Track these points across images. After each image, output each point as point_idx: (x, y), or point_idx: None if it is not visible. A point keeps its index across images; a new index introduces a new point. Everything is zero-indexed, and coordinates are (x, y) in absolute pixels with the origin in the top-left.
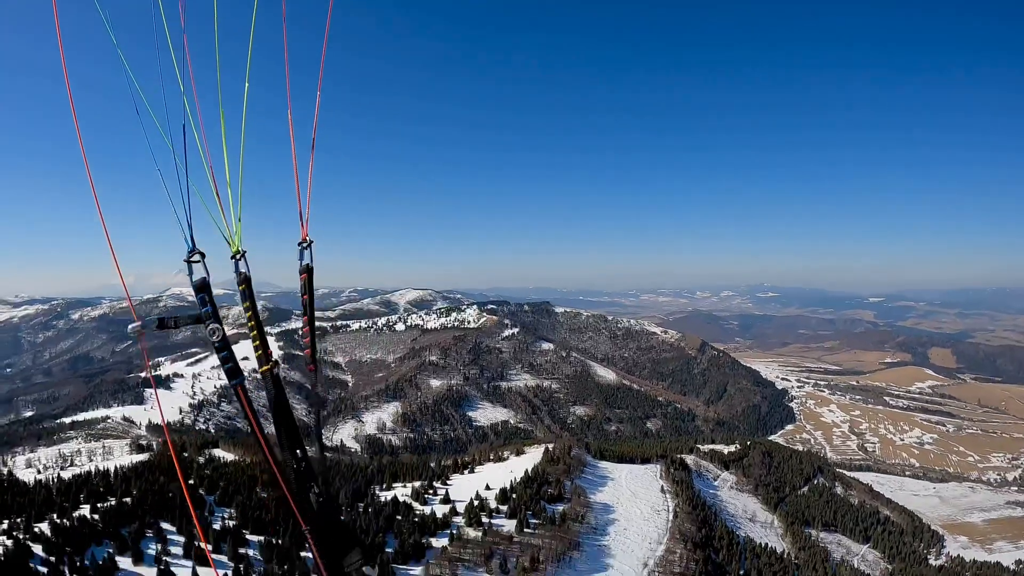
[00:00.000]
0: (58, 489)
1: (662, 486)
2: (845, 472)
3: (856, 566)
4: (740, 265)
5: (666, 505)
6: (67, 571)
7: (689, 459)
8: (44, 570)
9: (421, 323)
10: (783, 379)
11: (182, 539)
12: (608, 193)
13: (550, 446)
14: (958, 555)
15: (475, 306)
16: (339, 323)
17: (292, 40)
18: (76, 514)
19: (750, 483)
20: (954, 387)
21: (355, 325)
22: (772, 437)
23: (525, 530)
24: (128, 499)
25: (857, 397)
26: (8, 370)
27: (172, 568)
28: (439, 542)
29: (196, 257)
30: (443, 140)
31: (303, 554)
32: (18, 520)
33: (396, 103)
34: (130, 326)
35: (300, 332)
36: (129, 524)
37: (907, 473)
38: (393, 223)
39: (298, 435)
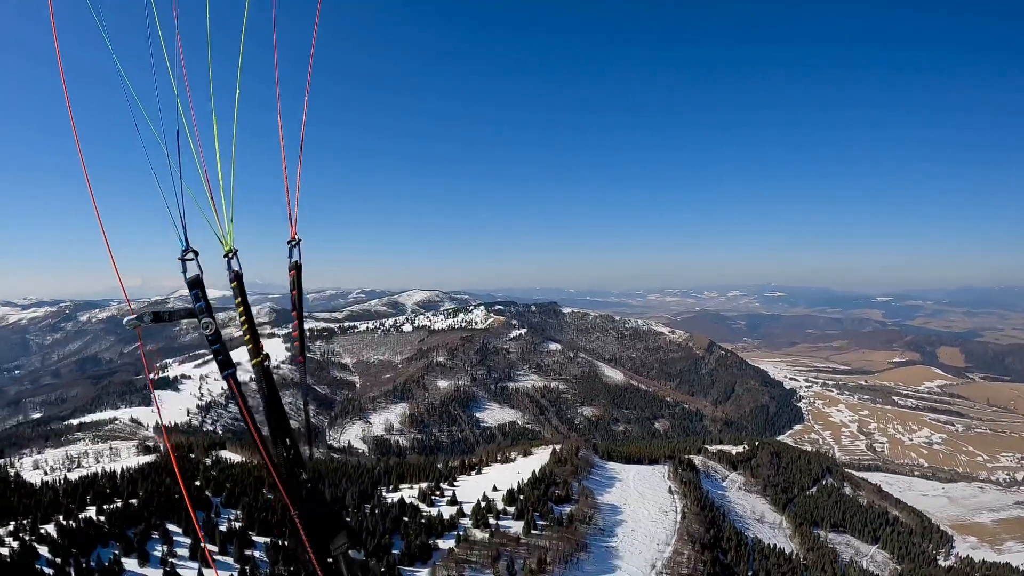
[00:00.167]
0: (65, 491)
1: (670, 487)
2: (854, 472)
3: (865, 567)
4: (747, 265)
5: (674, 506)
6: (73, 572)
7: (697, 460)
8: (50, 571)
9: (428, 324)
10: (791, 379)
11: (188, 541)
12: (615, 193)
13: (557, 447)
14: (967, 556)
15: (482, 307)
16: (346, 324)
17: (293, 37)
18: (82, 516)
19: (758, 484)
20: (963, 386)
21: (362, 326)
22: (780, 437)
23: (532, 531)
24: (134, 501)
25: (865, 397)
26: (16, 372)
27: (178, 570)
28: (446, 543)
29: (190, 255)
30: (449, 138)
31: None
32: (24, 522)
33: (405, 102)
34: (126, 319)
35: (291, 327)
36: (135, 526)
37: (916, 473)
38: (401, 224)
39: (287, 425)
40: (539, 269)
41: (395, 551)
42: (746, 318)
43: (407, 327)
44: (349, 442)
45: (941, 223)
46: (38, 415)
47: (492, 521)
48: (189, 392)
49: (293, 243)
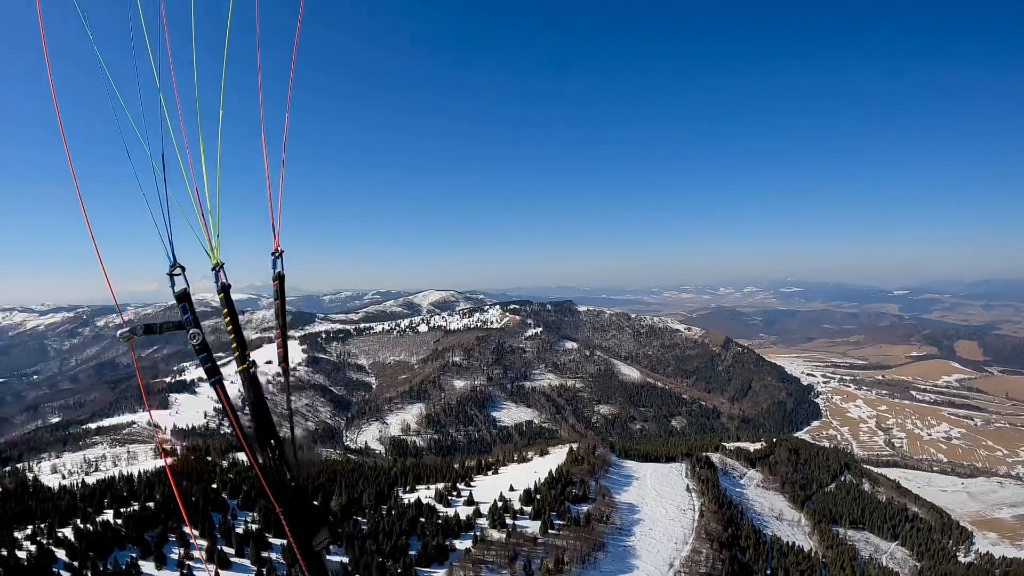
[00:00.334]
0: (82, 494)
1: (688, 485)
2: (872, 468)
3: (884, 564)
4: (763, 260)
5: (692, 504)
6: (90, 575)
7: (715, 457)
8: (67, 574)
9: (444, 324)
10: (808, 375)
11: (204, 543)
12: (629, 189)
13: (574, 446)
14: (987, 552)
15: (497, 306)
16: (362, 325)
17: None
18: (100, 519)
19: (776, 481)
20: (981, 380)
21: (378, 327)
22: (798, 434)
23: (549, 531)
24: (151, 504)
25: (883, 392)
26: (35, 377)
27: (194, 572)
28: (463, 544)
29: (177, 270)
30: (462, 137)
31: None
32: (42, 525)
33: (417, 100)
34: (119, 331)
35: (274, 335)
36: (152, 529)
37: (935, 468)
38: (416, 225)
39: (273, 428)
40: (553, 268)
41: (412, 552)
42: (762, 314)
43: (423, 327)
44: (366, 443)
45: (958, 216)
46: (56, 419)
47: (509, 521)
48: (206, 395)
49: (276, 255)
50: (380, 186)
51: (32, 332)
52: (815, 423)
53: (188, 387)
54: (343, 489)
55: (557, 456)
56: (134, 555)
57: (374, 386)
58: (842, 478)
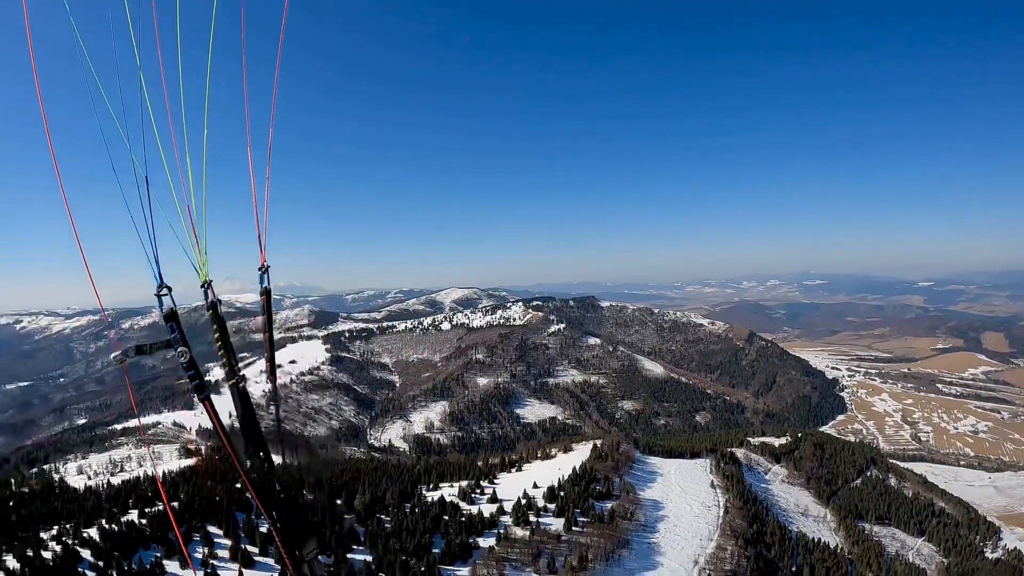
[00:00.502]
0: (107, 495)
1: (712, 481)
2: (898, 463)
3: (911, 560)
4: (786, 253)
5: (716, 500)
6: (115, 575)
7: (739, 453)
8: (92, 574)
9: (467, 321)
10: (833, 368)
11: (229, 542)
12: (651, 184)
13: (598, 442)
14: (1015, 548)
15: (520, 303)
16: (385, 324)
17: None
18: (124, 519)
19: (802, 476)
20: (1008, 372)
21: (401, 325)
22: (823, 428)
23: (573, 528)
24: (176, 503)
25: (909, 385)
26: (61, 379)
27: (219, 571)
28: (486, 542)
29: (164, 291)
30: (483, 135)
31: (349, 555)
32: (68, 526)
33: (436, 99)
34: (112, 355)
35: (263, 347)
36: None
37: (961, 463)
38: (438, 224)
39: (263, 442)
40: (576, 264)
41: (435, 550)
42: (786, 307)
43: (445, 325)
44: (390, 441)
45: (982, 205)
46: (82, 421)
47: (533, 519)
48: (230, 396)
49: (262, 270)
50: (402, 186)
51: (58, 335)
52: (840, 417)
53: (213, 388)
54: (366, 487)
55: (581, 453)
56: (158, 555)
57: (398, 384)
58: (868, 473)
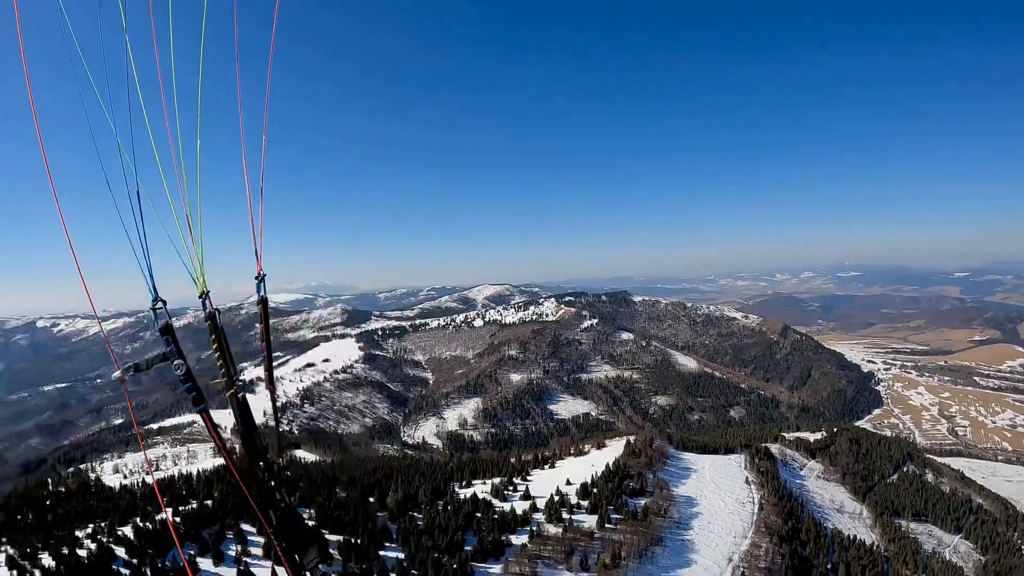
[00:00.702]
0: (142, 493)
1: (747, 477)
2: (935, 458)
3: (948, 558)
4: (819, 245)
5: (751, 497)
6: (149, 573)
7: (774, 448)
8: (126, 572)
9: (499, 318)
10: (868, 361)
11: (261, 540)
12: (682, 177)
13: (631, 438)
14: None
15: (552, 299)
16: (418, 322)
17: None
18: (159, 517)
19: (837, 472)
20: None
21: (434, 323)
22: (859, 423)
23: (606, 525)
24: (209, 502)
25: (946, 378)
26: (98, 380)
27: (252, 568)
28: (519, 539)
29: (159, 305)
30: (513, 134)
31: (381, 553)
32: (103, 524)
33: (468, 99)
34: (113, 374)
35: (261, 356)
36: (210, 526)
37: (1000, 458)
38: (470, 221)
39: (262, 451)
40: (607, 258)
41: (468, 547)
42: (820, 300)
43: (478, 322)
44: (423, 438)
45: (1020, 194)
46: (119, 421)
47: (565, 515)
48: (265, 394)
49: (259, 279)
50: (435, 185)
51: (95, 338)
52: (876, 411)
53: (247, 387)
54: (399, 485)
55: (614, 449)
56: (192, 552)
57: (431, 381)
58: (904, 468)
